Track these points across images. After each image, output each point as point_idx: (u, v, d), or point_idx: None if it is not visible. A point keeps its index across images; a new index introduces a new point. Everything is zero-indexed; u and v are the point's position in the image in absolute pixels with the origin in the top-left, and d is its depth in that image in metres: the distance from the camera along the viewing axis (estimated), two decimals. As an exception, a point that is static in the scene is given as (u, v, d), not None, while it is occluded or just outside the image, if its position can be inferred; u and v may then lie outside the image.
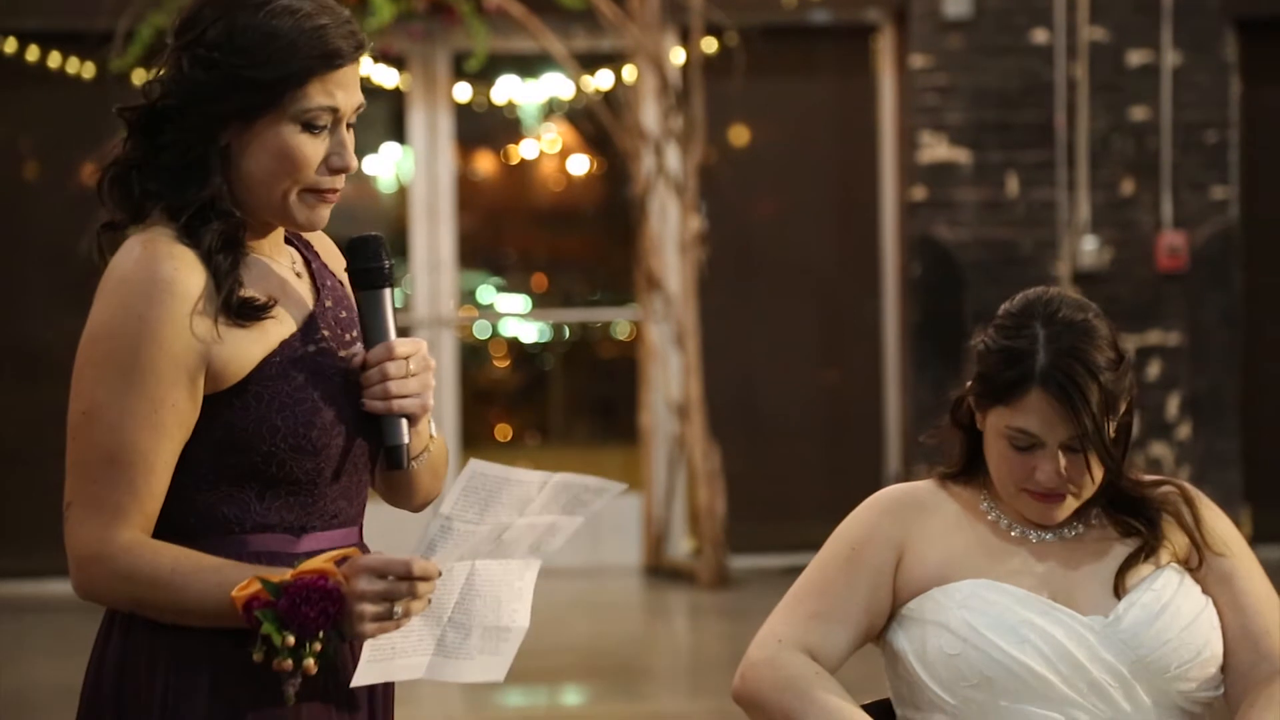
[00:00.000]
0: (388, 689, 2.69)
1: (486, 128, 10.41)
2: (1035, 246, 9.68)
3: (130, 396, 2.49)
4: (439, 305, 10.07)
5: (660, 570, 9.78)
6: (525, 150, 10.51)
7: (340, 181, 2.60)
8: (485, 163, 10.62)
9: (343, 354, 2.62)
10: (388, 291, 2.63)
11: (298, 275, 2.66)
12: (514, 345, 10.72)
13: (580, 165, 10.62)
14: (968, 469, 2.93)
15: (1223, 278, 9.80)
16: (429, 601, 2.48)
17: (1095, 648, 2.78)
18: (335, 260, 2.73)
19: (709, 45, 9.83)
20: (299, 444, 2.53)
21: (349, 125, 2.60)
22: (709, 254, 9.72)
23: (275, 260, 2.64)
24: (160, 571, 2.48)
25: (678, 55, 9.85)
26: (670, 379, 9.75)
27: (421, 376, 2.61)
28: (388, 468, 2.63)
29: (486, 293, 10.56)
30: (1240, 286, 9.90)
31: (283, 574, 2.44)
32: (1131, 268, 9.70)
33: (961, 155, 9.72)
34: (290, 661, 2.42)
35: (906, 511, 2.90)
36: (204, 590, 2.47)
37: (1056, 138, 9.70)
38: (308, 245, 2.73)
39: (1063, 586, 2.83)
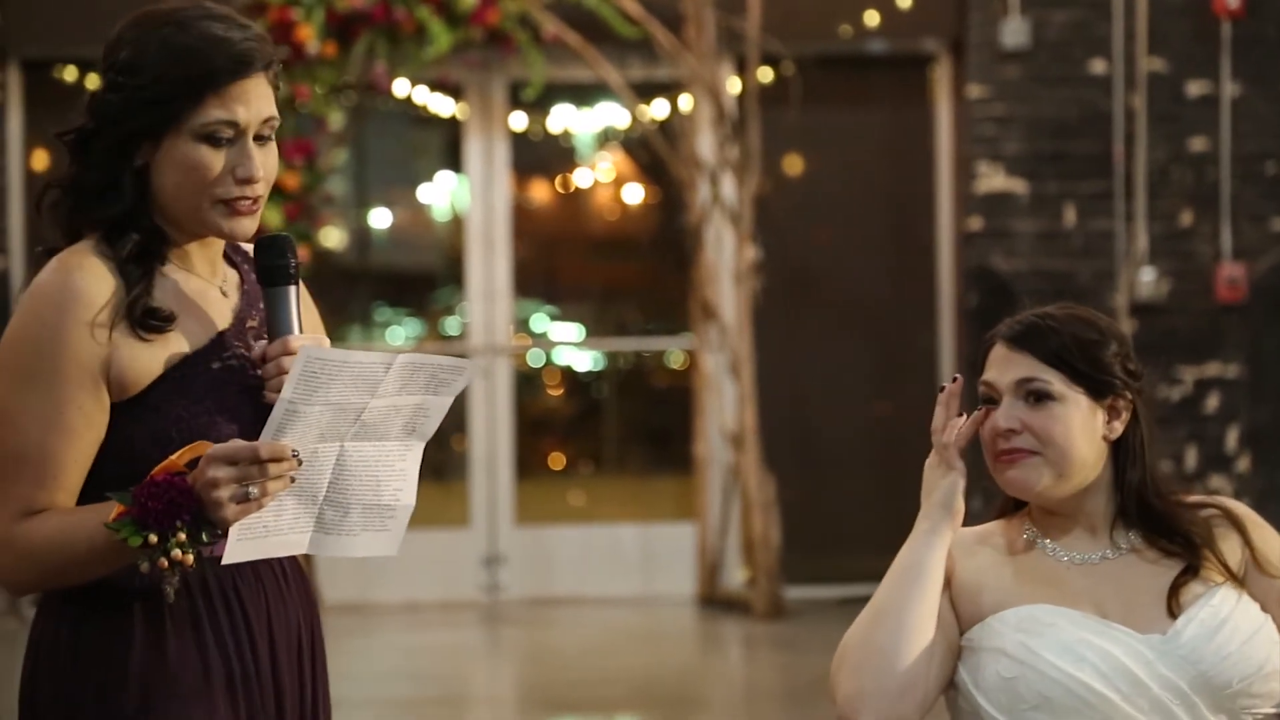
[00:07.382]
0: (315, 632, 2.80)
1: (542, 156, 10.43)
2: (1093, 277, 9.63)
3: (37, 399, 2.59)
4: (494, 333, 10.08)
5: (714, 601, 9.76)
6: (580, 179, 10.52)
7: (253, 190, 2.65)
8: (541, 191, 10.63)
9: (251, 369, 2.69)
10: (292, 289, 2.70)
11: (223, 294, 2.73)
12: (568, 374, 10.72)
13: (635, 194, 10.62)
14: (1016, 505, 2.95)
15: (1282, 309, 9.74)
16: (290, 481, 2.53)
17: (1154, 664, 2.76)
18: None
19: (765, 75, 9.83)
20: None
21: (260, 137, 2.66)
22: (764, 283, 9.70)
23: (198, 276, 2.71)
24: (51, 536, 2.58)
25: (734, 85, 9.85)
26: (725, 408, 9.73)
27: None
28: None
29: (540, 321, 10.57)
30: (1300, 318, 9.83)
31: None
32: (1190, 299, 9.64)
33: (1018, 185, 9.68)
34: (165, 560, 2.49)
35: (951, 549, 2.90)
36: (89, 536, 2.55)
37: (1114, 168, 9.65)
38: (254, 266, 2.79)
39: (1116, 606, 2.83)
